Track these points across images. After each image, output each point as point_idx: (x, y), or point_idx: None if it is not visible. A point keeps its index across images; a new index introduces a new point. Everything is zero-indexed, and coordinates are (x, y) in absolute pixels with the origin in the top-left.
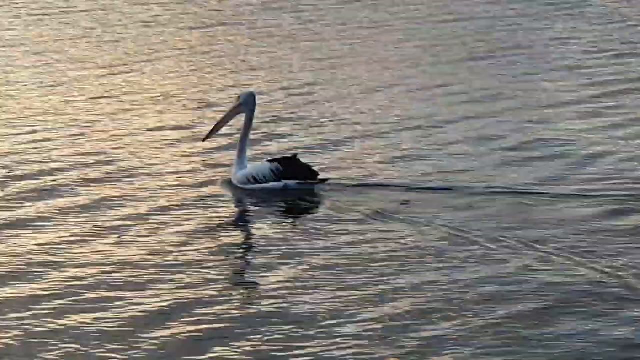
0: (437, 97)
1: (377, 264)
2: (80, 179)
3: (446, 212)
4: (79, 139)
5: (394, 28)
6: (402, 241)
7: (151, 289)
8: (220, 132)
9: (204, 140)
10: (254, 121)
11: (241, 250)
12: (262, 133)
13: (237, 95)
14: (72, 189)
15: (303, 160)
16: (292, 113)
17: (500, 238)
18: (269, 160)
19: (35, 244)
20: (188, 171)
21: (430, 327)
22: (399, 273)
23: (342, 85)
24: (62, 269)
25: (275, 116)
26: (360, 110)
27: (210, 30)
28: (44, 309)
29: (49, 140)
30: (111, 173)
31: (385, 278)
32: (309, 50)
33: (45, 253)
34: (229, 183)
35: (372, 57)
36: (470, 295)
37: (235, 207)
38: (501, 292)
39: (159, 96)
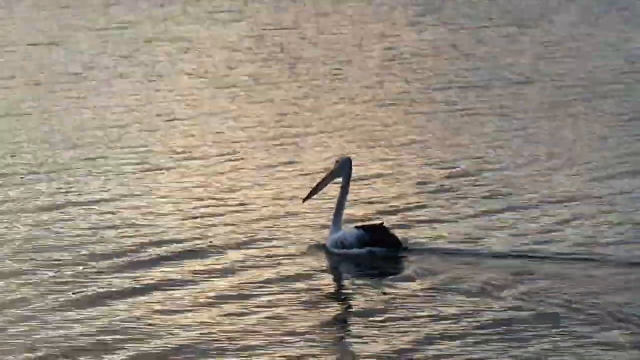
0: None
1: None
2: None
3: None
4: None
5: None
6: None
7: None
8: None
9: (303, 200)
10: (349, 186)
11: (328, 313)
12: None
13: (335, 160)
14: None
15: (394, 226)
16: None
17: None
18: (357, 227)
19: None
20: (286, 231)
21: None
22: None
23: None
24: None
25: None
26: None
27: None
28: None
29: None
30: (218, 218)
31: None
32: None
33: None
34: (323, 246)
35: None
36: None
37: (326, 271)
38: None
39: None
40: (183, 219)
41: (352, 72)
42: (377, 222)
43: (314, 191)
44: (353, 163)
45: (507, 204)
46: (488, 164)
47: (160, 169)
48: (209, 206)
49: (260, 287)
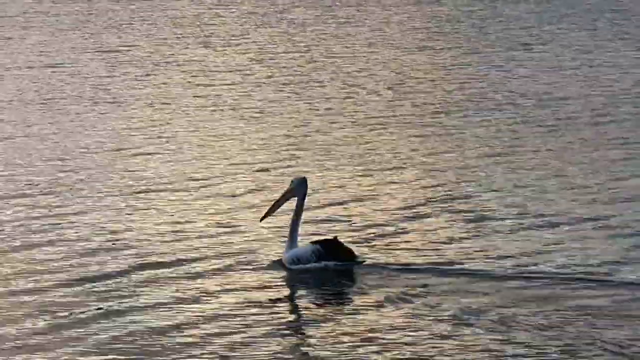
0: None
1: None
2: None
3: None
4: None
5: None
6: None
7: None
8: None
9: (260, 220)
10: (304, 205)
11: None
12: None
13: (291, 180)
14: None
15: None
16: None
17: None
18: (312, 242)
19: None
20: (243, 248)
21: None
22: None
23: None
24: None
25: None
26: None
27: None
28: None
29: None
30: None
31: None
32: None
33: None
34: (279, 263)
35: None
36: None
37: (281, 286)
38: None
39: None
40: (156, 236)
41: (361, 96)
42: (330, 236)
43: (271, 211)
44: (353, 184)
45: (492, 224)
46: (488, 185)
47: (162, 191)
48: (187, 223)
49: (217, 299)
